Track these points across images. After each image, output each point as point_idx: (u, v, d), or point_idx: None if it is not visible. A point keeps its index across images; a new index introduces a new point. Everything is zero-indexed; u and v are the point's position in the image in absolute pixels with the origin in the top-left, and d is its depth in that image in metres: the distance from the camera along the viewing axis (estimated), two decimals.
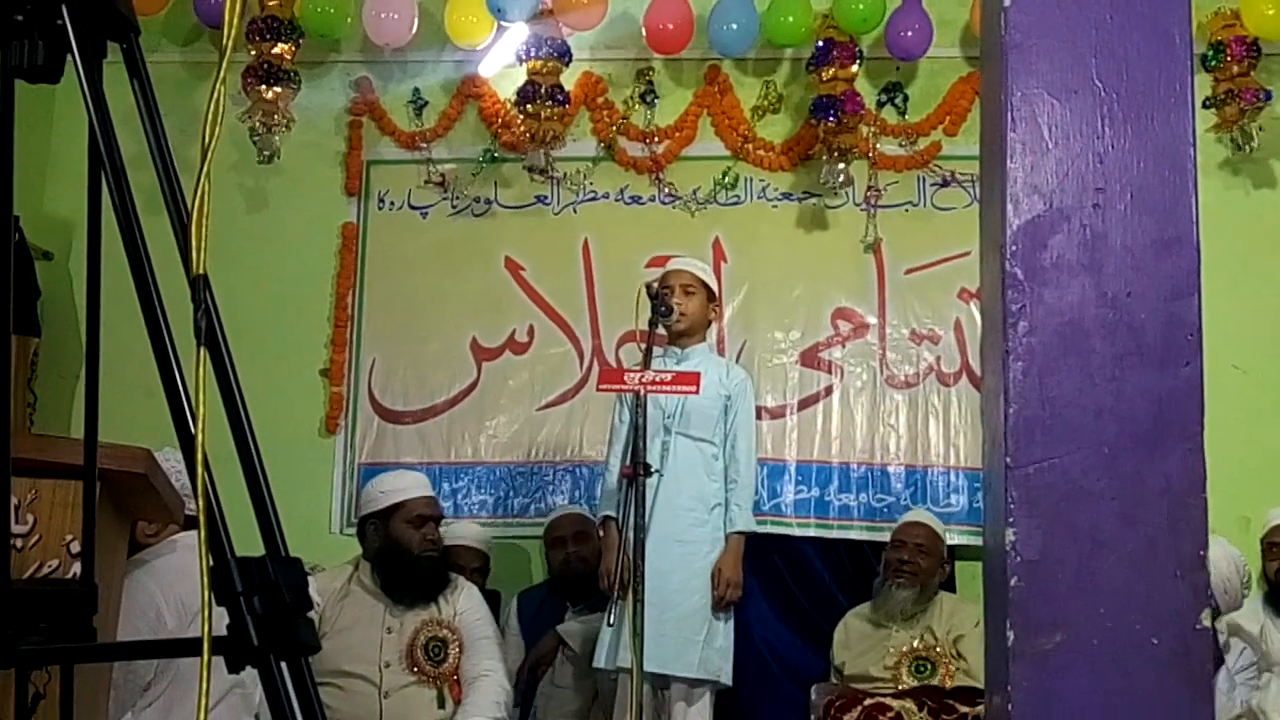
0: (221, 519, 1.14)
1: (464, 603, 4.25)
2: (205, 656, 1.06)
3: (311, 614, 1.20)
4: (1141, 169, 2.25)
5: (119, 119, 1.32)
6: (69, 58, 1.30)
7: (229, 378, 1.20)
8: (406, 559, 4.16)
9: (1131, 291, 2.20)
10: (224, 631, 1.15)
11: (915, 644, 4.55)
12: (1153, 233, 2.23)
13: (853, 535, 5.38)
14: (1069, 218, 2.24)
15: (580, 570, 4.81)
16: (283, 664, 1.13)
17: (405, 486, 4.32)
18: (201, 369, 1.14)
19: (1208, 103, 5.24)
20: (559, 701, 4.81)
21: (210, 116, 1.21)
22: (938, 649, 4.51)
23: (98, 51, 1.31)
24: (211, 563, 1.12)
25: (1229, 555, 4.64)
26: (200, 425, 1.14)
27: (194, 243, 1.18)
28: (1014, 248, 2.23)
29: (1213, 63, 5.27)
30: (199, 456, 1.12)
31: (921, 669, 4.47)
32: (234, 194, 5.65)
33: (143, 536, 3.80)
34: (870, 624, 4.71)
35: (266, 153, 5.47)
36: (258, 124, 5.42)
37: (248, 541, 1.23)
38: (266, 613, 1.12)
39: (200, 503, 1.11)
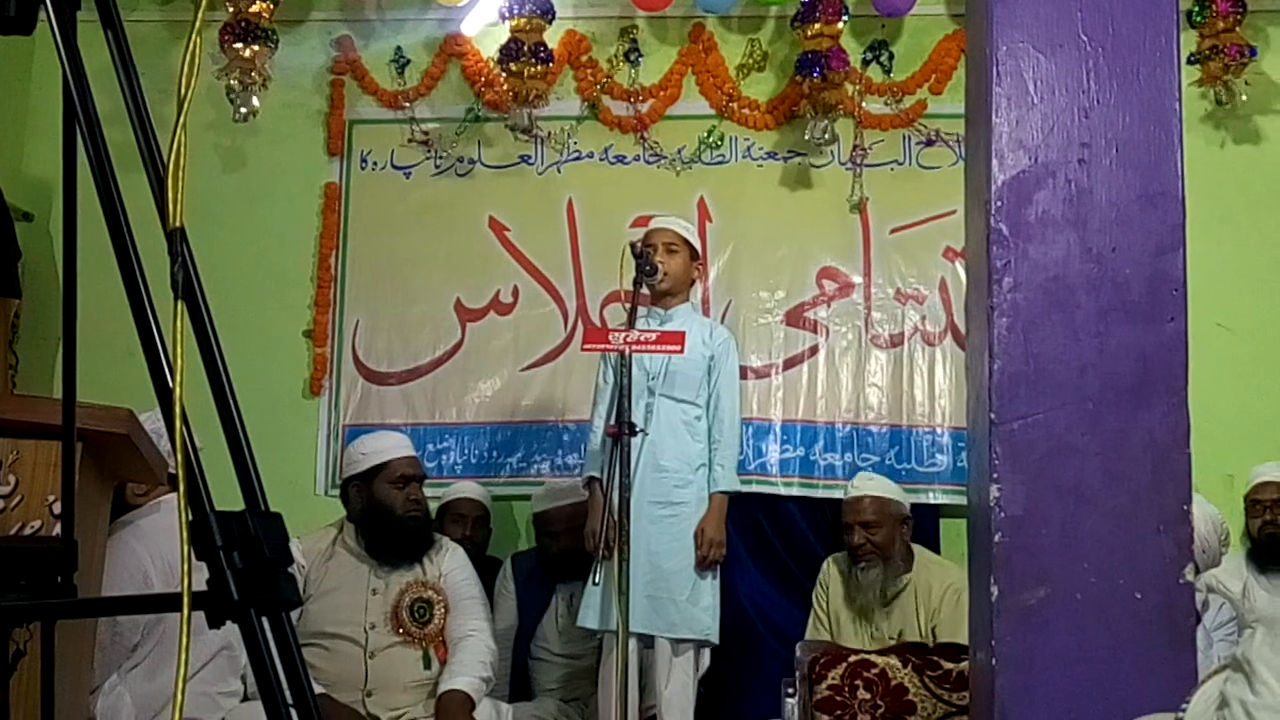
0: (201, 473, 1.13)
1: (449, 563, 4.25)
2: (185, 611, 1.05)
3: (293, 570, 1.19)
4: (1127, 124, 2.25)
5: (95, 76, 1.30)
6: (42, 8, 1.28)
7: (207, 331, 1.18)
8: (390, 520, 4.16)
9: (1116, 247, 2.20)
10: (204, 587, 1.14)
11: (895, 635, 4.50)
12: (1138, 188, 2.23)
13: (837, 494, 5.35)
14: (1054, 173, 2.24)
15: (572, 553, 4.72)
16: (264, 619, 1.12)
17: (387, 447, 4.31)
18: (178, 322, 1.13)
19: (1191, 58, 5.22)
20: (554, 665, 4.82)
21: (186, 65, 1.20)
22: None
23: (71, 2, 1.29)
24: (191, 517, 1.11)
25: (1207, 514, 4.64)
26: (178, 379, 1.13)
27: (171, 195, 1.16)
28: (999, 203, 2.23)
29: (1198, 18, 5.24)
30: (177, 410, 1.11)
31: None
32: (211, 154, 5.60)
33: (133, 497, 3.80)
34: (848, 599, 4.62)
35: (244, 111, 5.41)
36: (234, 82, 5.36)
37: (230, 500, 1.22)
38: (247, 567, 1.11)
39: (179, 457, 1.10)
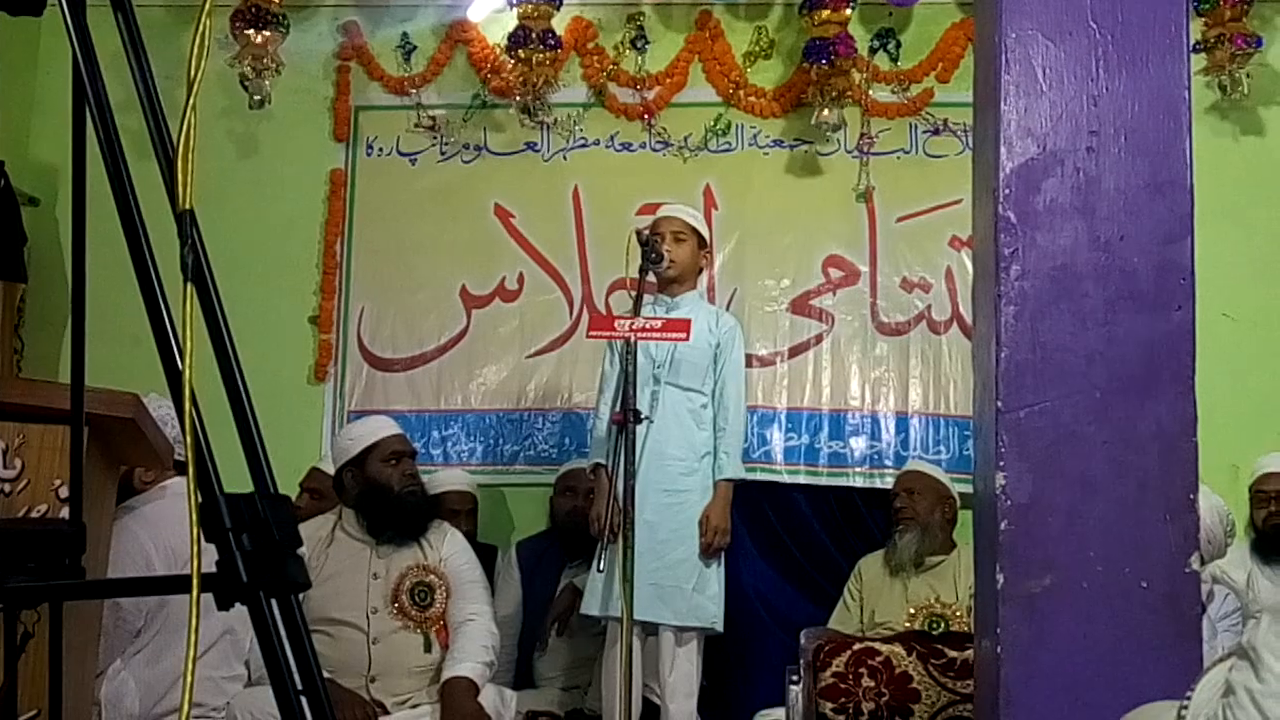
0: (210, 455, 1.13)
1: (449, 547, 4.25)
2: (195, 593, 1.05)
3: (301, 552, 1.19)
4: (1135, 112, 2.24)
5: (104, 63, 1.29)
6: None
7: (216, 314, 1.18)
8: (389, 498, 4.17)
9: (1124, 235, 2.20)
10: (213, 569, 1.14)
11: (931, 600, 4.53)
12: (1146, 176, 2.22)
13: (842, 483, 5.38)
14: (1062, 161, 2.23)
15: (584, 524, 4.76)
16: (273, 601, 1.12)
17: (374, 429, 4.34)
18: (188, 304, 1.13)
19: (1197, 46, 5.19)
20: (556, 653, 4.82)
21: (196, 48, 1.19)
22: (954, 608, 4.49)
23: None
24: (200, 499, 1.11)
25: (1212, 504, 4.64)
26: (187, 361, 1.13)
27: (180, 177, 1.16)
28: (1007, 191, 2.22)
29: (1205, 6, 5.22)
30: (186, 393, 1.11)
31: (934, 625, 4.46)
32: (223, 140, 5.60)
33: (140, 483, 3.80)
34: (886, 571, 4.68)
35: (257, 97, 5.41)
36: (247, 69, 5.35)
37: (237, 484, 1.22)
38: (256, 549, 1.11)
39: (188, 439, 1.10)
